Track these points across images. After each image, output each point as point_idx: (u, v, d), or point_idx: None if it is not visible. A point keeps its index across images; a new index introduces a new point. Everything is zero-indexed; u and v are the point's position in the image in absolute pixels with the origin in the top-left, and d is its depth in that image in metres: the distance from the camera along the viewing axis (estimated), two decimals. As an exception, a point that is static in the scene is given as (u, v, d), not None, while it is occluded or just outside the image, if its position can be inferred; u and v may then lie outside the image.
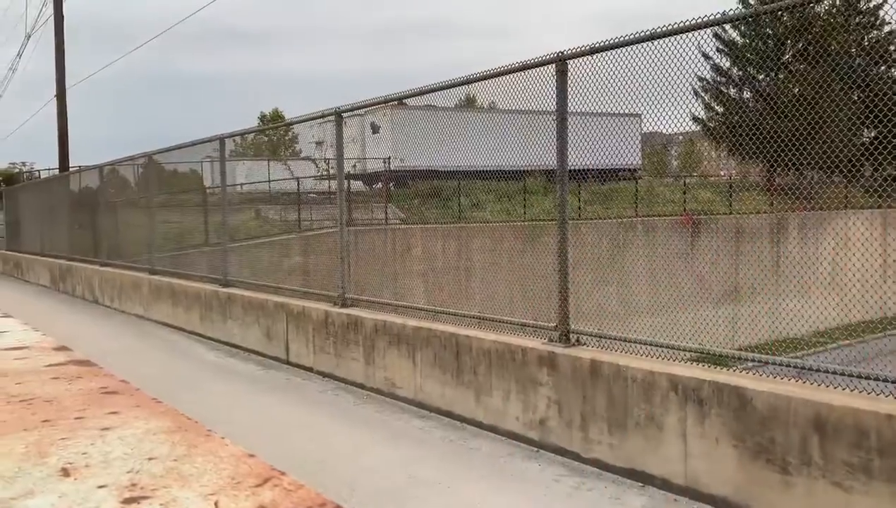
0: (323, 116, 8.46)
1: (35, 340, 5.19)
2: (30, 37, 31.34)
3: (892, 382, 3.80)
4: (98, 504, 2.14)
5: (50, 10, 26.57)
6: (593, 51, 5.15)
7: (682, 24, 4.69)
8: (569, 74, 5.32)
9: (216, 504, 2.11)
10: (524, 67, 5.53)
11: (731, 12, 4.93)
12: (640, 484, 4.65)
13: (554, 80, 5.32)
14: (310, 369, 8.14)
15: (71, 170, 23.77)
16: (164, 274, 12.40)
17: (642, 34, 4.86)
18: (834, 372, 4.01)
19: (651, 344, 4.90)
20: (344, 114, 8.03)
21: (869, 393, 3.85)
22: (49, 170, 33.70)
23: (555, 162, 5.44)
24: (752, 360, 4.63)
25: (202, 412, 4.52)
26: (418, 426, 6.05)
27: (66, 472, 2.48)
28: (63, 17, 26.32)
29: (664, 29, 4.77)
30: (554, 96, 5.37)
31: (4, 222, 27.06)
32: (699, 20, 4.61)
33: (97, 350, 6.94)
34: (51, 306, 15.27)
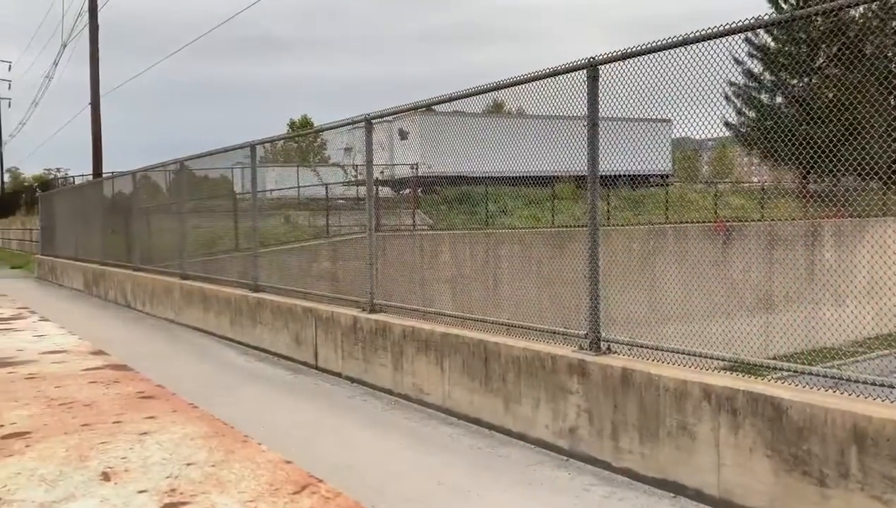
0: (353, 123, 8.50)
1: (72, 344, 5.27)
2: (65, 46, 32.00)
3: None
4: (139, 510, 2.16)
5: (85, 19, 27.14)
6: (625, 56, 5.10)
7: (715, 30, 4.64)
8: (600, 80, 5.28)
9: None
10: (555, 73, 5.50)
11: (766, 17, 4.89)
12: (672, 495, 4.58)
13: (585, 86, 5.28)
14: (338, 374, 8.17)
15: (104, 176, 24.20)
16: (195, 279, 12.54)
17: (676, 39, 4.81)
18: (872, 383, 3.92)
19: (684, 353, 4.83)
20: (373, 121, 8.06)
21: (910, 405, 3.75)
22: (83, 176, 34.37)
23: (584, 167, 5.40)
24: (786, 370, 4.54)
25: (233, 416, 4.54)
26: (446, 433, 6.03)
27: (106, 476, 2.50)
28: (98, 26, 26.86)
29: (697, 34, 4.72)
30: (582, 101, 5.33)
31: (40, 227, 27.62)
32: (732, 25, 4.55)
33: (130, 354, 7.03)
34: (84, 310, 15.52)
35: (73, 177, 43.40)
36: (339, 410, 6.91)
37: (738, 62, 5.63)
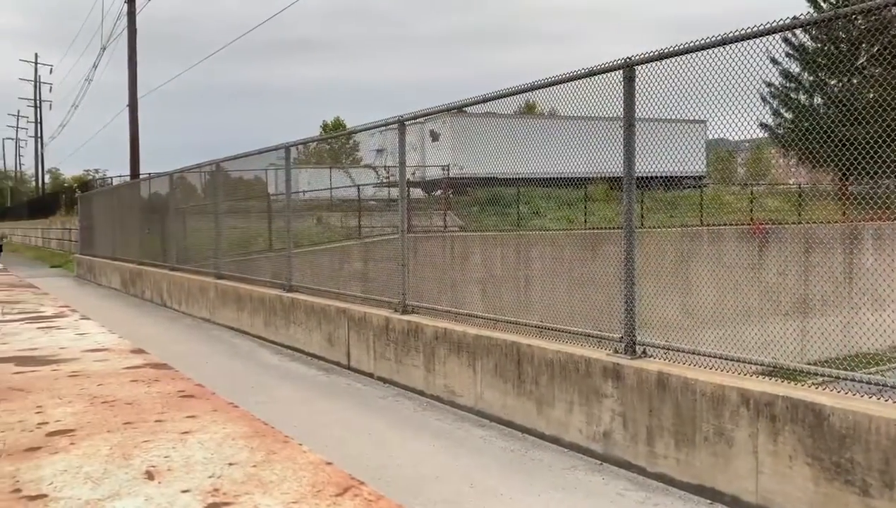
0: (386, 125, 8.54)
1: (113, 343, 5.37)
2: (104, 49, 32.66)
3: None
4: (184, 510, 2.19)
5: (124, 23, 27.66)
6: (662, 56, 5.06)
7: (752, 29, 4.57)
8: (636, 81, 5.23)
9: None
10: (590, 74, 5.47)
11: (803, 16, 4.83)
12: (709, 501, 4.52)
13: (621, 86, 5.24)
14: (370, 375, 8.20)
15: (141, 177, 24.64)
16: (230, 279, 12.70)
17: (713, 39, 4.75)
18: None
19: (721, 358, 4.76)
20: (406, 123, 8.08)
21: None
22: (121, 176, 35.00)
23: (616, 168, 5.35)
24: (825, 375, 4.45)
25: (268, 415, 4.59)
26: (479, 435, 6.02)
27: (150, 475, 2.54)
28: (136, 30, 27.36)
29: (735, 34, 4.66)
30: (617, 102, 5.30)
31: (79, 227, 28.20)
32: (770, 25, 4.49)
33: (169, 353, 7.15)
34: (123, 309, 15.81)
35: (111, 177, 44.25)
36: (372, 411, 6.94)
37: (775, 62, 5.55)
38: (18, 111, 75.33)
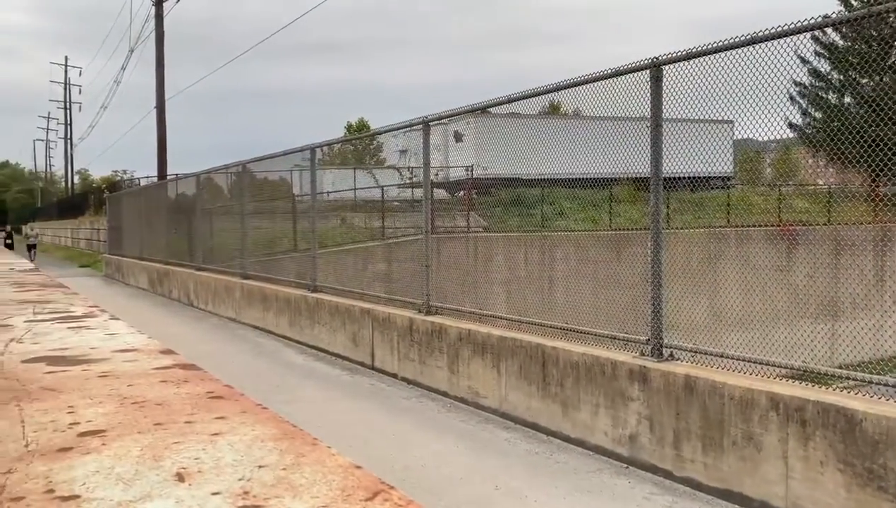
0: (410, 126, 8.56)
1: (142, 343, 5.42)
2: (133, 51, 33.09)
3: None
4: (215, 512, 2.21)
5: (152, 25, 28.02)
6: (689, 56, 5.01)
7: (781, 28, 4.52)
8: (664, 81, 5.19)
9: None
10: (617, 73, 5.43)
11: (834, 15, 4.78)
12: (737, 506, 4.46)
13: (648, 86, 5.20)
14: (394, 375, 8.22)
15: (168, 177, 24.94)
16: (255, 279, 12.80)
17: (741, 38, 4.70)
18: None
19: (750, 361, 4.70)
20: (430, 124, 8.09)
21: None
22: (148, 177, 35.46)
23: (641, 169, 5.31)
24: (857, 379, 4.37)
25: (293, 414, 4.62)
26: (503, 437, 6.00)
27: (180, 477, 2.55)
28: (164, 33, 27.71)
29: (764, 33, 4.60)
30: (643, 102, 5.26)
31: (107, 227, 28.63)
32: (800, 24, 4.43)
33: (197, 353, 7.23)
34: (150, 308, 16.01)
35: (138, 178, 44.84)
36: (396, 412, 6.95)
37: (804, 61, 5.48)
38: (49, 113, 76.77)
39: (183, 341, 9.45)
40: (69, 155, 67.46)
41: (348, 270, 14.88)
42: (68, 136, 67.43)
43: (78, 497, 2.40)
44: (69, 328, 6.25)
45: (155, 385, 4.06)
